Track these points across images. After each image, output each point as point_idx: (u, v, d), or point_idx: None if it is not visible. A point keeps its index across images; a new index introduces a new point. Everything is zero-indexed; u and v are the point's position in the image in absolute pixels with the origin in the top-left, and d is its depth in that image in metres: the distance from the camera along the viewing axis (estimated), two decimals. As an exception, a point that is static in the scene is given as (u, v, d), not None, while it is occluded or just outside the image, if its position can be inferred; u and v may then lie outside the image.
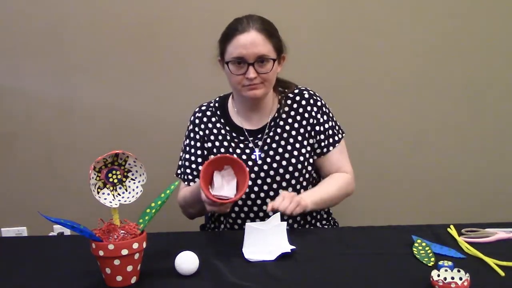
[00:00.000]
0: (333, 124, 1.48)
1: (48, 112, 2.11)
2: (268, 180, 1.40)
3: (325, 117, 1.46)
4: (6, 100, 2.10)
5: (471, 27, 2.02)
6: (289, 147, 1.42)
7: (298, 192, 1.42)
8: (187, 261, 1.02)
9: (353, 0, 2.01)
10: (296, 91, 1.47)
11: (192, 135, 1.50)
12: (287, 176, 1.40)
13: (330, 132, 1.46)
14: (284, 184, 1.40)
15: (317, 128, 1.45)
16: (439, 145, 2.11)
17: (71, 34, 2.04)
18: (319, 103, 1.46)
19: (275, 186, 1.40)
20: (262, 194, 1.41)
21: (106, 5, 2.02)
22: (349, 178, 1.47)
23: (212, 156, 1.40)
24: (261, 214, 1.42)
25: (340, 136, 1.48)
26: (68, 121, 2.12)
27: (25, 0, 2.02)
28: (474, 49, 2.04)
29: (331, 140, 1.46)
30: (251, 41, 1.30)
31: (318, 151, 1.45)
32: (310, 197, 1.33)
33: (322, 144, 1.45)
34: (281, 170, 1.40)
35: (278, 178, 1.40)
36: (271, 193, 1.40)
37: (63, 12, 2.03)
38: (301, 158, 1.41)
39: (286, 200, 1.24)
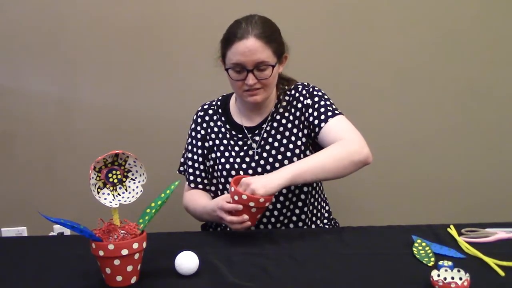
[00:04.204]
0: (327, 103, 1.41)
1: (48, 112, 2.11)
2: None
3: (315, 99, 1.42)
4: (6, 100, 2.10)
5: (472, 27, 2.02)
6: (284, 141, 1.42)
7: (290, 199, 1.41)
8: (187, 261, 1.02)
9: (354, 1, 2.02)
10: (293, 86, 1.48)
11: (193, 134, 1.51)
12: None
13: (322, 109, 1.39)
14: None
15: (307, 113, 1.42)
16: (439, 145, 2.10)
17: (72, 34, 2.04)
18: (310, 89, 1.44)
19: None
20: None
21: (106, 5, 2.02)
22: (347, 141, 1.31)
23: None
24: None
25: (335, 112, 1.39)
26: (68, 121, 2.12)
27: (25, 0, 2.02)
28: (475, 49, 2.04)
29: (322, 116, 1.38)
30: (249, 49, 1.29)
31: (313, 134, 1.41)
32: (278, 174, 1.22)
33: (315, 122, 1.39)
34: (277, 164, 1.40)
35: None
36: None
37: (63, 12, 2.03)
38: (297, 151, 1.41)
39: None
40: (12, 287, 1.03)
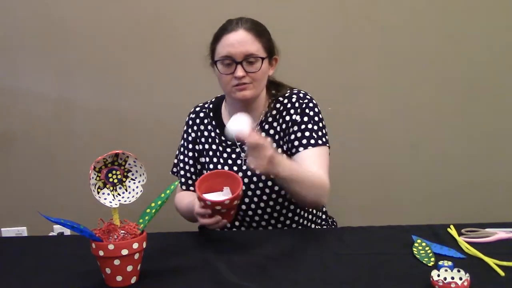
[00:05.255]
0: (314, 128, 1.34)
1: (48, 112, 2.11)
2: (252, 186, 1.38)
3: (305, 118, 1.35)
4: (6, 100, 2.10)
5: (471, 27, 2.02)
6: None
7: (283, 197, 1.38)
8: (238, 123, 1.01)
9: (352, 1, 2.01)
10: (287, 94, 1.41)
11: (185, 136, 1.50)
12: (269, 183, 1.36)
13: (307, 133, 1.33)
14: (267, 190, 1.37)
15: (292, 128, 1.36)
16: (439, 145, 2.11)
17: (71, 34, 2.05)
18: (303, 105, 1.37)
19: (258, 192, 1.38)
20: (246, 200, 1.39)
21: (106, 5, 2.02)
22: (323, 180, 1.27)
23: (212, 171, 1.34)
24: (247, 219, 1.41)
25: (319, 142, 1.32)
26: (68, 121, 2.12)
27: (25, 1, 2.02)
28: (474, 49, 2.04)
29: (304, 141, 1.33)
30: (239, 40, 1.28)
31: (289, 152, 1.36)
32: (286, 165, 1.16)
33: (295, 143, 1.33)
34: (263, 177, 1.36)
35: (261, 184, 1.37)
36: (255, 199, 1.38)
37: (63, 12, 2.03)
38: None
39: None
40: (11, 287, 1.03)
